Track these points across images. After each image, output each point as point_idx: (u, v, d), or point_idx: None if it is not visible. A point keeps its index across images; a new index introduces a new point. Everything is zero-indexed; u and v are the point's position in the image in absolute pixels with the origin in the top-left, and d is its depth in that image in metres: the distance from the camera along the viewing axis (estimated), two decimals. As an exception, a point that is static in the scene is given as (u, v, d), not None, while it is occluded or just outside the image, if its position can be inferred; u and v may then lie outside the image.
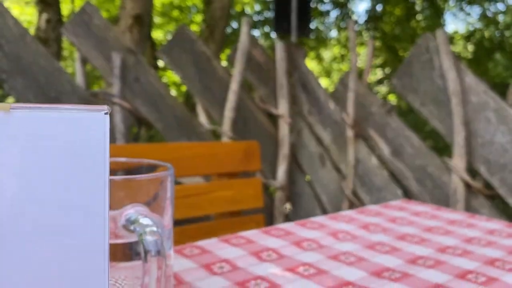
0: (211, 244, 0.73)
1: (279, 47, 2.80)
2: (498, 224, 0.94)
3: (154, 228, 0.37)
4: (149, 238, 0.36)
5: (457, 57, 2.23)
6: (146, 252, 0.35)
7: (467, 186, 2.10)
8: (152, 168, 0.48)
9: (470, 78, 2.13)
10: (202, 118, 2.70)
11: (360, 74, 2.73)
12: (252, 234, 0.81)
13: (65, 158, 0.18)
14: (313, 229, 0.85)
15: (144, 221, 0.37)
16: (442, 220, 0.95)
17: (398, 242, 0.79)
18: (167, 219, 0.45)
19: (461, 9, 9.58)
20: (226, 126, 2.68)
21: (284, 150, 2.83)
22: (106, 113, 0.19)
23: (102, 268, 0.19)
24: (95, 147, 0.18)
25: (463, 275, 0.65)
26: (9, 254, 0.16)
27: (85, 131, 0.18)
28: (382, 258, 0.71)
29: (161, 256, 0.37)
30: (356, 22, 8.79)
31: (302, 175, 2.88)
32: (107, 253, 0.19)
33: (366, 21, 9.21)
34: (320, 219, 0.93)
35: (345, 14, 9.12)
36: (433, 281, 0.62)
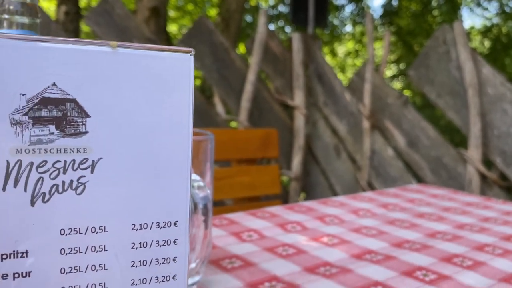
0: (239, 216, 0.77)
1: (296, 38, 2.82)
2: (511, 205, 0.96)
3: (202, 183, 0.41)
4: (197, 192, 0.39)
5: (474, 49, 2.23)
6: (195, 204, 0.39)
7: (483, 177, 2.11)
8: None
9: (487, 70, 2.14)
10: (219, 108, 2.73)
11: (376, 66, 2.74)
12: (276, 209, 0.85)
13: (157, 90, 0.22)
14: (334, 207, 0.89)
15: (193, 176, 0.41)
16: (459, 202, 0.98)
17: (416, 219, 0.82)
18: (207, 182, 0.49)
19: (478, 4, 9.46)
20: (242, 116, 2.71)
21: (299, 141, 2.85)
22: (191, 55, 0.22)
23: (185, 189, 0.22)
24: (182, 81, 0.22)
25: (480, 247, 0.68)
26: (115, 166, 0.20)
27: (175, 68, 0.22)
28: (402, 232, 0.74)
29: (208, 210, 0.40)
30: (358, 13, 8.72)
31: (317, 166, 2.91)
32: (189, 172, 0.22)
33: (381, 16, 9.14)
34: (340, 198, 0.97)
35: (361, 8, 9.07)
36: (451, 252, 0.65)
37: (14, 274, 0.21)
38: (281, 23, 9.10)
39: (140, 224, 0.22)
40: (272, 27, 8.80)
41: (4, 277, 0.20)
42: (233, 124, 2.82)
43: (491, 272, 0.59)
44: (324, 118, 2.84)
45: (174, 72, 0.22)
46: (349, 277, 0.55)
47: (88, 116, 0.21)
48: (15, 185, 0.20)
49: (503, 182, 2.09)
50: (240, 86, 2.67)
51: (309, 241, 0.68)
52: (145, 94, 0.22)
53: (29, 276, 0.21)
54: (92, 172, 0.21)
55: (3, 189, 0.20)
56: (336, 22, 9.24)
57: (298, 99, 2.85)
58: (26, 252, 0.21)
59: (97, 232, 0.22)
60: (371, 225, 0.77)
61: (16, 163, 0.20)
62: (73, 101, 0.21)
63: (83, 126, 0.21)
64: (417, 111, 2.41)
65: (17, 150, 0.20)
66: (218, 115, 2.68)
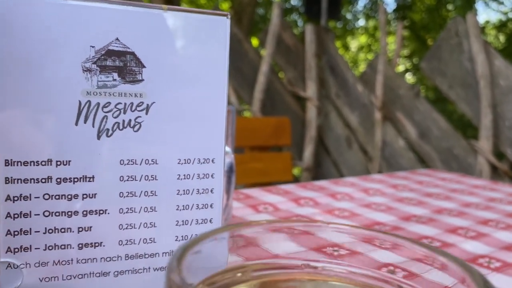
0: (254, 191, 0.82)
1: (309, 30, 2.85)
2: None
3: (227, 148, 0.45)
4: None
5: (486, 41, 2.25)
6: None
7: (493, 168, 2.13)
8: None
9: (500, 62, 2.15)
10: (232, 99, 2.78)
11: (389, 59, 2.76)
12: (290, 187, 0.89)
13: (199, 46, 0.26)
14: (346, 186, 0.93)
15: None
16: (466, 184, 1.01)
17: (424, 198, 0.86)
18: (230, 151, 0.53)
19: (494, -3, 9.34)
20: (255, 107, 2.76)
21: (311, 132, 2.89)
22: (227, 17, 0.27)
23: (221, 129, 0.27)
24: (220, 39, 0.26)
25: (484, 222, 0.71)
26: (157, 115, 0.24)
27: (214, 28, 0.26)
28: (410, 208, 0.78)
29: (232, 171, 0.45)
30: (372, 7, 8.67)
31: (329, 157, 2.94)
32: (224, 121, 0.27)
33: (395, 10, 9.08)
34: (351, 179, 1.01)
35: (374, 2, 9.02)
36: (456, 225, 0.69)
37: (83, 195, 0.25)
38: (294, 16, 9.09)
39: (185, 159, 0.26)
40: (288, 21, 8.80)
41: (75, 197, 0.25)
42: (247, 114, 2.87)
43: (493, 242, 0.63)
44: (336, 110, 2.87)
45: (213, 32, 0.26)
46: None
47: (144, 66, 0.25)
48: (85, 121, 0.24)
49: (514, 173, 2.11)
50: (253, 77, 2.71)
51: (321, 214, 0.72)
52: (189, 49, 0.26)
53: (94, 197, 0.25)
54: (146, 113, 0.26)
55: (76, 124, 0.24)
56: (349, 16, 9.21)
57: (311, 90, 2.88)
58: (93, 177, 0.25)
59: (149, 164, 0.26)
60: (380, 202, 0.81)
61: (86, 103, 0.24)
62: (132, 53, 0.25)
63: (140, 75, 0.25)
64: (429, 103, 2.43)
65: (87, 92, 0.24)
66: (231, 105, 2.73)
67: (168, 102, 0.26)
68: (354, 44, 9.92)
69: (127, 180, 0.26)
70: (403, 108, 2.48)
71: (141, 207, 0.26)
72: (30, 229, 0.24)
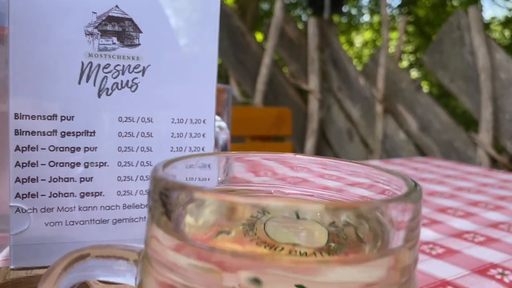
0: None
1: (312, 23, 2.86)
2: (513, 176, 1.01)
3: (223, 123, 0.48)
4: (218, 130, 0.46)
5: (487, 35, 2.26)
6: (216, 140, 0.45)
7: (493, 160, 2.14)
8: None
9: (501, 55, 2.16)
10: (235, 91, 2.80)
11: (393, 53, 2.77)
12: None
13: (192, 16, 0.29)
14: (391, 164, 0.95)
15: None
16: (460, 171, 1.03)
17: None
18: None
19: (500, -6, 9.28)
20: (257, 99, 2.78)
21: (313, 125, 2.91)
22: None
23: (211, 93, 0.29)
24: (211, 11, 0.29)
25: (474, 203, 0.74)
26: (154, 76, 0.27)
27: (198, 6, 0.29)
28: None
29: (226, 147, 0.47)
30: (389, 5, 8.65)
31: (330, 150, 2.96)
32: (214, 88, 0.29)
33: (399, 5, 9.04)
34: (397, 160, 1.03)
35: (378, -3, 8.97)
36: (446, 205, 0.71)
37: (85, 148, 0.28)
38: (298, 11, 9.07)
39: (178, 119, 0.29)
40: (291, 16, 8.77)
41: (78, 150, 0.27)
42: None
43: (480, 220, 0.65)
44: (338, 103, 2.89)
45: (205, 4, 0.29)
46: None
47: (140, 32, 0.28)
48: (87, 81, 0.27)
49: (513, 165, 2.13)
50: (256, 70, 2.73)
51: (314, 177, 0.75)
52: (182, 18, 0.28)
53: (95, 150, 0.28)
54: (143, 75, 0.28)
55: (79, 83, 0.27)
56: (354, 11, 9.18)
57: (313, 83, 2.90)
58: (94, 132, 0.28)
59: (145, 122, 0.28)
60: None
61: (88, 64, 0.27)
62: (130, 20, 0.27)
63: (137, 39, 0.28)
64: (430, 96, 2.45)
65: (89, 54, 0.27)
66: (234, 97, 2.75)
67: (162, 65, 0.28)
68: (359, 39, 9.89)
69: (125, 136, 0.28)
70: (404, 101, 2.49)
71: (138, 161, 0.29)
72: (37, 177, 0.27)
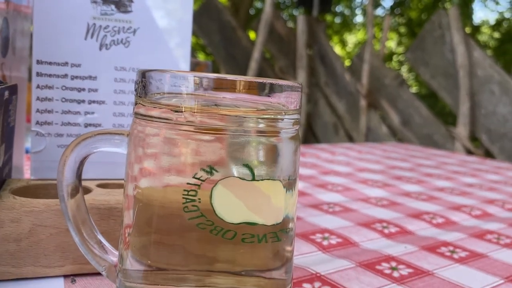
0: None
1: (300, 20, 2.95)
2: (475, 158, 1.11)
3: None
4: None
5: (466, 33, 2.36)
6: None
7: (469, 153, 2.25)
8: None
9: (478, 53, 2.27)
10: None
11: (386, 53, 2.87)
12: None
13: (165, 1, 0.37)
14: (314, 149, 1.04)
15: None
16: (425, 153, 1.13)
17: (383, 159, 0.97)
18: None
19: (490, -3, 9.41)
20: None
21: (301, 119, 3.00)
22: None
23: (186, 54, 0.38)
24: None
25: (438, 189, 0.78)
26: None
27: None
28: (366, 164, 0.90)
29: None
30: (375, 4, 8.75)
31: (316, 142, 3.06)
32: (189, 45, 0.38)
33: (392, 6, 9.15)
34: (322, 145, 1.12)
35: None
36: (409, 190, 0.73)
37: (88, 89, 0.36)
38: (291, 10, 9.14)
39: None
40: (283, 14, 8.84)
41: (83, 90, 0.36)
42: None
43: (442, 202, 0.68)
44: (325, 98, 2.98)
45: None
46: (313, 181, 0.71)
47: (132, 1, 0.36)
48: (91, 37, 0.36)
49: (488, 158, 2.23)
50: (246, 64, 2.82)
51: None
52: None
53: (96, 91, 0.36)
54: (134, 35, 0.37)
55: (85, 39, 0.36)
56: (347, 12, 9.28)
57: (301, 78, 2.99)
58: (96, 77, 0.36)
59: (135, 71, 0.37)
60: (342, 159, 0.93)
61: (92, 25, 0.36)
62: (124, -8, 0.36)
63: (130, 7, 0.36)
64: (411, 92, 2.55)
65: (93, 17, 0.36)
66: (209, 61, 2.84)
67: (149, 28, 0.37)
68: (351, 39, 9.98)
69: (119, 82, 0.37)
70: (387, 96, 2.59)
71: (129, 101, 0.38)
72: (52, 109, 0.36)
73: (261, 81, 0.23)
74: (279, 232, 0.25)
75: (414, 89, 7.55)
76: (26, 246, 0.30)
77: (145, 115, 0.23)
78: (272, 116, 0.23)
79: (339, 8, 9.06)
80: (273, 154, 0.23)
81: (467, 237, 0.48)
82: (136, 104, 0.24)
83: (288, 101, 0.24)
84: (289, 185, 0.25)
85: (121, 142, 0.25)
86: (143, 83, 0.23)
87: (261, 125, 0.23)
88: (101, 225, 0.31)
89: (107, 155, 0.29)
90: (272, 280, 0.26)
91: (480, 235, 0.49)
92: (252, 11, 7.17)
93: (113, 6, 0.36)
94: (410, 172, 0.84)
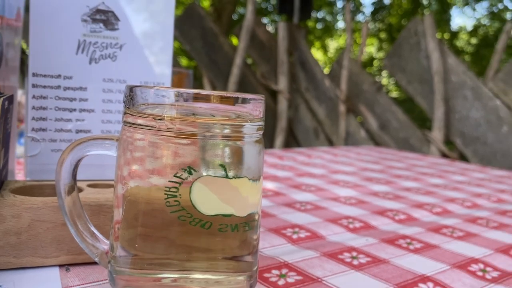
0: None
1: (281, 27, 3.01)
2: (444, 160, 1.17)
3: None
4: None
5: (441, 40, 2.45)
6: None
7: (444, 156, 2.33)
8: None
9: (452, 59, 2.35)
10: (208, 89, 2.93)
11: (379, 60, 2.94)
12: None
13: (154, 9, 0.42)
14: (293, 152, 1.09)
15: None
16: (397, 155, 1.19)
17: (357, 162, 1.03)
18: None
19: (466, 3, 9.65)
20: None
21: (282, 124, 3.06)
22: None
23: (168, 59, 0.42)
24: (167, 7, 0.42)
25: (405, 189, 0.83)
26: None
27: (160, 4, 0.42)
28: (340, 166, 0.95)
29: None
30: (356, 10, 8.88)
31: (298, 147, 3.12)
32: (171, 55, 0.42)
33: (372, 12, 9.31)
34: (300, 149, 1.17)
35: (355, 5, 9.21)
36: (378, 190, 0.80)
37: (79, 99, 0.40)
38: (273, 16, 9.22)
39: (144, 82, 0.42)
40: (266, 20, 8.92)
41: (75, 100, 0.40)
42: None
43: (407, 201, 0.75)
44: (305, 103, 3.04)
45: (163, 2, 0.42)
46: (288, 183, 0.75)
47: (119, 20, 0.41)
48: (82, 52, 0.40)
49: (462, 161, 2.31)
50: (228, 69, 2.87)
51: (266, 166, 0.88)
52: (147, 11, 0.42)
53: (86, 101, 0.40)
54: (120, 50, 0.41)
55: (76, 53, 0.40)
56: (329, 18, 9.41)
57: (282, 84, 3.04)
58: (86, 88, 0.40)
59: (121, 82, 0.41)
60: (317, 162, 0.98)
61: (83, 41, 0.40)
62: (112, 12, 0.40)
63: (116, 25, 0.40)
64: (388, 97, 2.63)
65: (84, 34, 0.40)
66: (190, 69, 2.87)
67: (134, 43, 0.41)
68: (333, 45, 10.11)
69: (107, 92, 0.41)
70: (365, 102, 2.67)
71: (116, 110, 0.42)
72: (46, 117, 0.39)
73: (231, 95, 0.28)
74: (250, 222, 0.30)
75: (394, 94, 7.69)
76: (26, 239, 0.33)
77: (132, 123, 0.27)
78: (240, 123, 0.28)
79: (321, 14, 9.19)
80: (240, 155, 0.28)
81: (424, 231, 0.53)
82: (125, 113, 0.28)
83: (254, 110, 0.28)
84: (255, 181, 0.29)
85: (111, 146, 0.29)
86: (131, 96, 0.27)
87: (229, 131, 0.27)
88: (92, 220, 0.35)
89: (96, 159, 0.33)
90: (241, 263, 0.30)
91: (437, 229, 0.54)
92: (235, 16, 7.23)
93: (101, 24, 0.40)
94: (380, 174, 0.89)
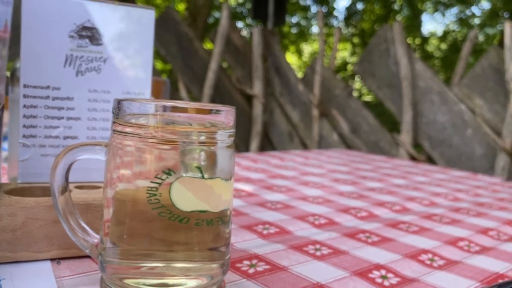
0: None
1: (256, 32, 3.07)
2: (406, 162, 1.24)
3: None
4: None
5: (409, 47, 2.55)
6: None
7: (412, 158, 2.42)
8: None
9: (420, 65, 2.45)
10: (183, 93, 2.95)
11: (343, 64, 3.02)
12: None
13: (134, 28, 0.46)
14: (267, 156, 1.14)
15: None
16: (365, 158, 1.25)
17: (326, 164, 1.08)
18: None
19: (436, 10, 9.91)
20: (205, 102, 2.95)
21: (257, 128, 3.11)
22: (153, 11, 0.46)
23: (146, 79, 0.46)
24: (149, 24, 0.46)
25: (369, 189, 0.91)
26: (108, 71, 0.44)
27: (144, 17, 0.46)
28: (310, 168, 1.00)
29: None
30: (330, 15, 9.02)
31: (273, 150, 3.17)
32: (150, 79, 0.46)
33: (345, 18, 9.48)
34: (275, 152, 1.22)
35: (328, 10, 9.37)
36: (343, 190, 0.87)
37: (67, 108, 0.44)
38: (248, 20, 9.29)
39: (126, 92, 0.46)
40: (241, 24, 8.97)
41: (63, 109, 0.44)
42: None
43: (370, 200, 0.84)
44: (280, 107, 3.10)
45: (143, 17, 0.46)
46: (261, 184, 0.80)
47: (102, 36, 0.44)
48: (69, 65, 0.43)
49: (429, 163, 2.41)
50: (203, 74, 2.90)
51: (241, 169, 0.93)
52: (130, 27, 0.46)
53: (73, 110, 0.44)
54: (104, 63, 0.45)
55: (64, 66, 0.43)
56: (303, 22, 9.55)
57: (257, 88, 3.10)
58: (73, 98, 0.44)
59: (106, 93, 0.45)
60: (289, 165, 1.03)
61: (70, 55, 0.43)
62: (96, 29, 0.44)
63: (101, 41, 0.44)
64: (360, 102, 2.71)
65: (71, 49, 0.43)
66: (182, 100, 2.90)
67: (116, 57, 0.45)
68: (307, 49, 10.25)
69: (92, 101, 0.45)
70: (337, 106, 2.74)
71: (100, 118, 0.45)
72: (36, 125, 0.43)
73: (206, 107, 0.32)
74: (223, 217, 0.34)
75: (368, 98, 7.85)
76: (20, 235, 0.37)
77: (121, 131, 0.31)
78: (214, 131, 0.32)
79: (295, 19, 9.32)
80: (214, 158, 0.32)
81: (382, 226, 0.58)
82: (113, 123, 0.32)
83: (226, 119, 0.33)
84: (227, 181, 0.33)
85: (100, 151, 0.33)
86: (119, 108, 0.31)
87: (205, 138, 0.31)
88: (81, 217, 0.39)
89: (83, 163, 0.37)
90: (215, 252, 0.34)
91: (394, 224, 0.59)
92: (210, 19, 7.27)
93: (87, 40, 0.44)
94: (347, 175, 0.95)
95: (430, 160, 2.40)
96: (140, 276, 0.32)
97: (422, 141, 2.41)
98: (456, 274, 0.44)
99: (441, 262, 0.47)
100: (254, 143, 3.09)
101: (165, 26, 2.78)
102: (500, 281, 0.43)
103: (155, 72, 2.89)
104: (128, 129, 0.31)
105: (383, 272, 0.43)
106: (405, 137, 2.41)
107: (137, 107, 0.31)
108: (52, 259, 0.39)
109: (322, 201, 0.69)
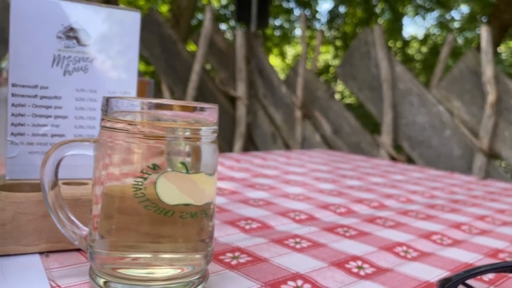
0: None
1: (239, 34, 3.09)
2: (386, 162, 1.27)
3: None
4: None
5: (389, 50, 2.60)
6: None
7: (393, 159, 2.46)
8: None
9: (399, 68, 2.50)
10: (166, 95, 2.96)
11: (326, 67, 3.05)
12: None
13: (120, 29, 0.47)
14: (251, 156, 1.16)
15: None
16: (346, 158, 1.28)
17: (308, 164, 1.11)
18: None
19: (417, 13, 10.06)
20: (188, 104, 2.96)
21: (241, 129, 3.13)
22: (138, 13, 0.48)
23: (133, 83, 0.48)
24: (134, 26, 0.47)
25: (348, 187, 0.94)
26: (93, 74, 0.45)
27: (130, 19, 0.47)
28: (292, 168, 1.03)
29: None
30: (308, 17, 9.09)
31: (256, 151, 3.20)
32: (135, 86, 0.48)
33: (328, 21, 9.57)
34: (258, 152, 1.24)
35: (311, 13, 9.44)
36: (324, 188, 0.91)
37: (55, 106, 0.45)
38: (231, 22, 9.30)
39: (112, 91, 0.47)
40: (224, 26, 8.99)
41: (50, 108, 0.45)
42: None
43: (349, 197, 0.87)
44: (263, 109, 3.13)
45: (129, 19, 0.48)
46: (244, 183, 0.82)
47: (90, 37, 0.46)
48: (57, 65, 0.45)
49: (409, 163, 2.46)
50: (187, 76, 2.91)
51: (224, 168, 0.95)
52: (115, 28, 0.47)
53: (61, 108, 0.46)
54: (91, 63, 0.46)
55: (52, 66, 0.45)
56: (286, 25, 9.61)
57: (241, 90, 3.12)
58: (61, 97, 0.45)
59: (92, 92, 0.46)
60: (272, 164, 1.05)
61: (58, 55, 0.45)
62: (84, 30, 0.46)
63: (88, 42, 0.46)
64: (342, 104, 2.75)
65: (59, 49, 0.45)
66: (151, 79, 2.90)
67: (102, 58, 0.47)
68: (291, 52, 10.31)
69: (79, 100, 0.46)
70: (319, 108, 2.78)
71: (87, 116, 0.47)
72: (24, 123, 0.44)
73: (191, 104, 0.34)
74: (206, 210, 0.36)
75: (349, 100, 7.94)
76: (10, 229, 0.38)
77: (110, 127, 0.33)
78: (198, 127, 0.34)
79: (278, 22, 9.37)
80: (198, 153, 0.34)
81: (360, 222, 0.60)
82: (102, 120, 0.34)
83: (209, 116, 0.35)
84: (211, 176, 0.35)
85: (89, 147, 0.35)
86: (107, 105, 0.33)
87: (190, 133, 0.33)
88: (70, 212, 0.40)
89: (70, 160, 0.39)
90: (199, 244, 0.36)
91: (371, 220, 0.62)
92: (195, 21, 7.27)
93: (74, 41, 0.45)
94: (327, 174, 0.97)
95: (410, 161, 2.45)
96: (127, 266, 0.34)
97: (402, 142, 2.46)
98: (428, 264, 0.46)
99: (415, 254, 0.49)
100: (238, 144, 3.11)
101: (148, 27, 2.79)
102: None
103: (138, 74, 2.91)
104: (117, 125, 0.32)
105: (359, 263, 0.45)
106: (386, 138, 2.46)
107: (125, 105, 0.33)
108: (41, 253, 0.40)
109: (303, 198, 0.71)
